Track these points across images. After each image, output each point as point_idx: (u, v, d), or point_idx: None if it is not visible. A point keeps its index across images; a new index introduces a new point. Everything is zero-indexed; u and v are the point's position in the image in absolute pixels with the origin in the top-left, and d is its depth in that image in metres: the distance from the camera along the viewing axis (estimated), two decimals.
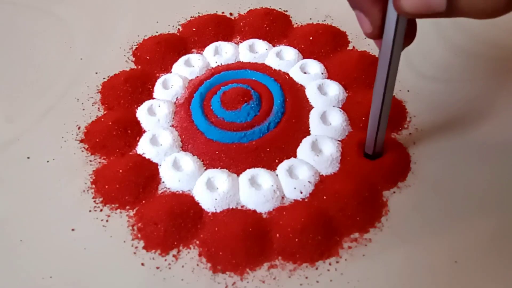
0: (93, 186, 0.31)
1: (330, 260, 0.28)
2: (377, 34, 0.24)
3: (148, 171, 0.31)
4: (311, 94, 0.35)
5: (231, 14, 0.43)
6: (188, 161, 0.31)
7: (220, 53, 0.39)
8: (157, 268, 0.28)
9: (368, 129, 0.30)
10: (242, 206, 0.30)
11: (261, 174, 0.31)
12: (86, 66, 0.39)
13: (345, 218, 0.29)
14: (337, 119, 0.33)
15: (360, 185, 0.30)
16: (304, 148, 0.32)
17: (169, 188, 0.31)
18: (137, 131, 0.34)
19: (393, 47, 0.24)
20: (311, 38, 0.39)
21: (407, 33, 0.24)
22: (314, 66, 0.37)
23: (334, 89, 0.35)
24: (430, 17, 0.21)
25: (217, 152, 0.32)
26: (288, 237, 0.28)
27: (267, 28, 0.41)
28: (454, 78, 0.37)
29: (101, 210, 0.30)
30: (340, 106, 0.35)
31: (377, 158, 0.31)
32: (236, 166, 0.31)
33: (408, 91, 0.36)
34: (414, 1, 0.20)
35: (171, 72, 0.38)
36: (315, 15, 0.42)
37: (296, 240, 0.28)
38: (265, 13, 0.42)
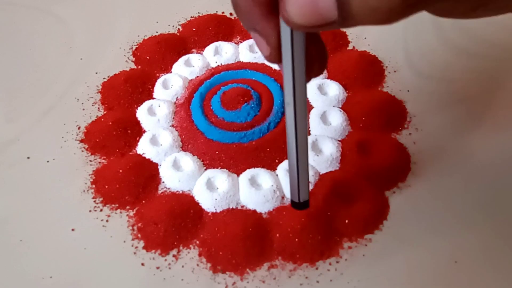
0: (93, 186, 0.31)
1: (330, 260, 0.28)
2: (276, 56, 0.21)
3: (148, 171, 0.31)
4: (311, 94, 0.35)
5: (231, 14, 0.43)
6: (188, 161, 0.31)
7: (220, 53, 0.39)
8: (157, 268, 0.28)
9: (289, 176, 0.26)
10: (242, 206, 0.30)
11: (261, 174, 0.31)
12: (86, 66, 0.39)
13: (345, 218, 0.29)
14: (337, 119, 0.33)
15: (360, 185, 0.30)
16: None
17: (169, 188, 0.31)
18: (137, 131, 0.34)
19: (293, 71, 0.21)
20: None
21: (314, 58, 0.22)
22: None
23: (334, 89, 0.35)
24: (325, 28, 0.18)
25: (217, 152, 0.32)
26: (288, 237, 0.28)
27: None
28: (454, 78, 0.37)
29: (101, 210, 0.30)
30: (340, 106, 0.35)
31: (305, 207, 0.27)
32: (236, 166, 0.31)
33: (408, 91, 0.36)
34: (302, 10, 0.18)
35: (171, 72, 0.38)
36: None
37: (296, 240, 0.28)
38: None
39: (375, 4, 0.16)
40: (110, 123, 0.34)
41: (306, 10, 0.18)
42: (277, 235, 0.28)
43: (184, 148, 0.33)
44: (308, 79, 0.22)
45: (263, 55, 0.21)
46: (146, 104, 0.35)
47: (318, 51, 0.22)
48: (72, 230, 0.29)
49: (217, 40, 0.40)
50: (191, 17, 0.43)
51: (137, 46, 0.41)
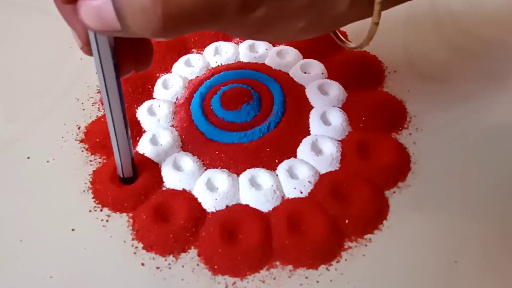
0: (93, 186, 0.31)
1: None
2: (87, 50, 0.23)
3: None
4: (311, 94, 0.35)
5: None
6: (188, 161, 0.31)
7: (220, 53, 0.39)
8: (157, 268, 0.28)
9: (114, 154, 0.29)
10: None
11: (261, 174, 0.31)
12: (86, 66, 0.39)
13: (345, 218, 0.29)
14: (337, 119, 0.33)
15: (360, 185, 0.30)
16: (304, 148, 0.32)
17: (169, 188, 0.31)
18: (137, 131, 0.34)
19: (101, 64, 0.23)
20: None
21: (128, 54, 0.23)
22: (314, 66, 0.37)
23: (334, 89, 0.35)
24: (118, 34, 0.20)
25: (217, 152, 0.32)
26: (287, 237, 0.28)
27: None
28: (454, 78, 0.37)
29: (101, 210, 0.30)
30: (340, 106, 0.35)
31: (130, 183, 0.30)
32: (236, 166, 0.31)
33: (408, 91, 0.36)
34: (91, 16, 0.19)
35: (171, 72, 0.38)
36: None
37: (295, 240, 0.28)
38: None
39: (142, 24, 0.19)
40: None
41: (94, 17, 0.19)
42: (277, 235, 0.28)
43: (184, 148, 0.33)
44: (126, 72, 0.25)
45: (79, 48, 0.23)
46: (146, 104, 0.35)
47: (140, 46, 0.24)
48: (72, 230, 0.29)
49: (217, 40, 0.40)
50: None
51: None
